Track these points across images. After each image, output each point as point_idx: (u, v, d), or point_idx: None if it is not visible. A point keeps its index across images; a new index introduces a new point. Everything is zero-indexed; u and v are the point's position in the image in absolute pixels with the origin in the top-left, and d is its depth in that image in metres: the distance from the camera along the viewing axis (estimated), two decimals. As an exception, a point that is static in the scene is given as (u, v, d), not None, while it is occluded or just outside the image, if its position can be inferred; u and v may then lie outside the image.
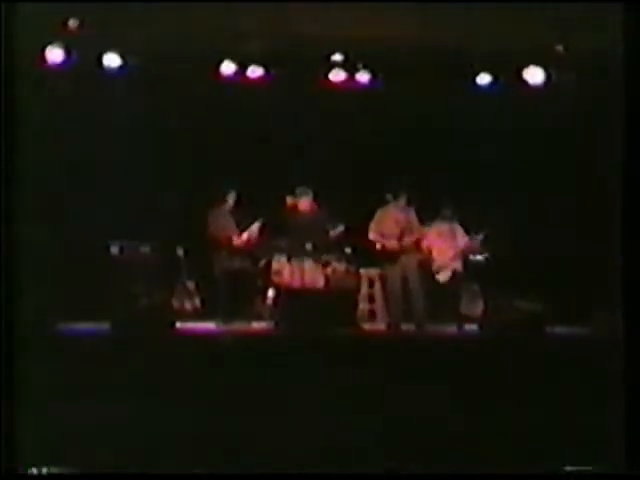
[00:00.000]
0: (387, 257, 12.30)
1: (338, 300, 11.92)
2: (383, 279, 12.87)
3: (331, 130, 13.54)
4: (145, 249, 12.69)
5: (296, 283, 12.18)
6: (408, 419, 7.75)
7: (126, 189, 12.65)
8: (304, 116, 13.42)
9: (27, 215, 7.09)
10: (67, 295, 11.33)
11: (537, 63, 12.79)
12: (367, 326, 12.50)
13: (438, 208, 12.61)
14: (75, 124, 12.55)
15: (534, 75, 12.86)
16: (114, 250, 12.59)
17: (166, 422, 7.49)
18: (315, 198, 12.39)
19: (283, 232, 12.34)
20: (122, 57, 12.43)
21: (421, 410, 7.98)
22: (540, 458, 6.50)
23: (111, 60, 12.43)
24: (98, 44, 12.31)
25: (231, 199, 12.47)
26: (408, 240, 12.24)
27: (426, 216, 12.49)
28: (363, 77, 13.14)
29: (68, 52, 12.09)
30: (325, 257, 12.43)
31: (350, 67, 13.08)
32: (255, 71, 12.89)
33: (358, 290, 13.00)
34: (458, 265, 12.61)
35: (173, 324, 11.38)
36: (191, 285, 12.88)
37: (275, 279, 12.37)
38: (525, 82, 12.92)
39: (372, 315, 13.24)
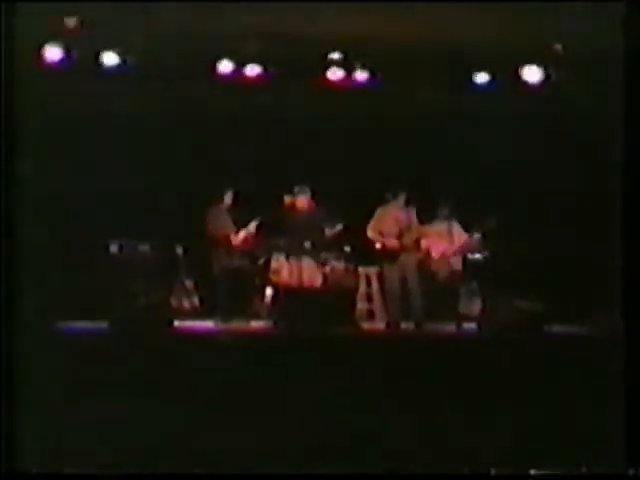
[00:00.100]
0: (386, 256, 12.32)
1: (336, 299, 11.99)
2: (381, 278, 12.88)
3: (329, 129, 13.55)
4: (144, 248, 12.73)
5: (294, 282, 12.19)
6: (407, 419, 7.73)
7: (125, 188, 12.69)
8: (302, 115, 13.43)
9: (26, 215, 7.07)
10: (66, 294, 11.35)
11: (536, 62, 12.82)
12: (366, 325, 12.51)
13: (436, 207, 12.63)
14: (74, 123, 12.54)
15: (533, 74, 12.88)
16: (113, 249, 12.64)
17: (165, 421, 7.46)
18: (313, 196, 12.40)
19: (281, 231, 12.35)
20: (120, 56, 12.45)
21: (420, 410, 7.95)
22: (540, 458, 6.49)
23: (109, 59, 12.45)
24: (96, 43, 12.34)
25: (229, 198, 12.49)
26: (407, 239, 12.25)
27: (425, 215, 12.51)
28: (361, 76, 13.14)
29: (67, 51, 12.12)
30: (323, 256, 12.47)
31: (348, 66, 13.07)
32: (253, 70, 12.89)
33: (357, 289, 13.03)
34: (457, 264, 12.61)
35: (171, 323, 11.42)
36: (190, 284, 12.91)
37: (273, 278, 12.39)
38: (524, 81, 12.94)
39: (370, 314, 13.25)
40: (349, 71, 13.10)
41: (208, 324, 11.95)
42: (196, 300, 12.91)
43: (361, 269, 13.23)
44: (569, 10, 10.39)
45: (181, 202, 12.87)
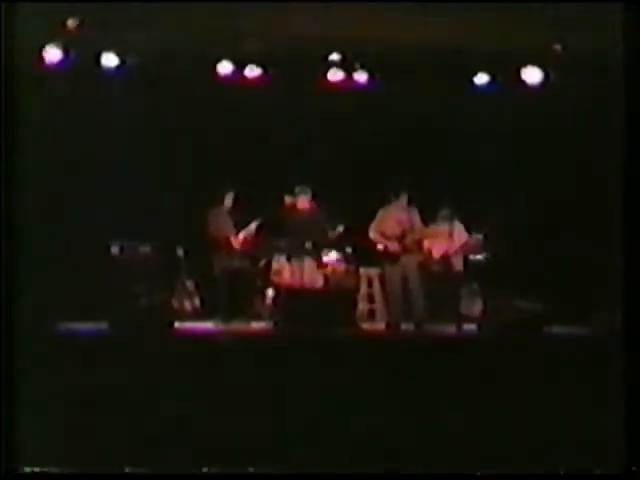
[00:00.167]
0: (388, 257, 12.30)
1: (337, 300, 11.99)
2: (383, 279, 12.87)
3: (329, 130, 13.54)
4: (145, 249, 12.71)
5: (295, 283, 12.19)
6: (408, 419, 7.73)
7: (125, 189, 12.65)
8: (302, 116, 13.41)
9: (26, 215, 7.08)
10: (67, 295, 11.36)
11: (535, 63, 12.81)
12: (366, 326, 12.49)
13: (437, 208, 12.60)
14: (74, 124, 12.56)
15: (532, 75, 12.87)
16: (114, 250, 12.62)
17: (165, 422, 7.47)
18: (314, 197, 12.41)
19: (282, 231, 12.35)
20: (120, 57, 12.45)
21: (420, 410, 7.96)
22: (540, 458, 6.49)
23: (109, 60, 12.45)
24: (96, 44, 12.33)
25: (229, 199, 12.50)
26: (409, 240, 12.24)
27: (425, 216, 12.50)
28: (361, 77, 13.15)
29: (66, 52, 12.10)
30: (324, 256, 12.48)
31: (348, 67, 13.08)
32: (253, 71, 12.89)
33: (357, 290, 13.01)
34: (458, 265, 12.62)
35: (172, 324, 11.41)
36: (191, 285, 12.88)
37: (275, 279, 12.40)
38: (524, 82, 12.93)
39: (371, 315, 13.24)
40: (349, 72, 13.10)
41: (209, 325, 11.94)
42: (197, 301, 12.89)
43: (362, 270, 13.22)
44: (568, 11, 10.39)
45: (182, 203, 12.86)
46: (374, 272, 13.24)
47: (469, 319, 12.46)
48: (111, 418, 7.43)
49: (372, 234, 12.32)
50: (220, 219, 12.42)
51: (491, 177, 13.21)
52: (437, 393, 8.30)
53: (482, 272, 12.81)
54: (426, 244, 12.48)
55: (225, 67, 12.80)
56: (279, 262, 12.41)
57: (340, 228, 12.30)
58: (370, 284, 13.34)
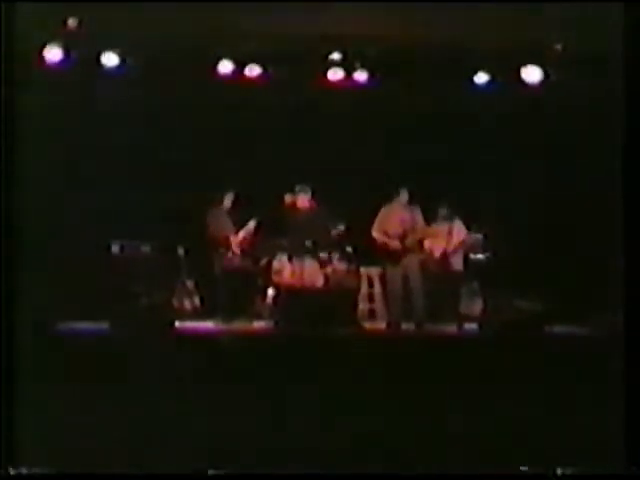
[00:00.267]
0: (389, 256, 12.27)
1: (338, 299, 11.94)
2: (383, 278, 12.87)
3: (329, 129, 13.53)
4: (145, 248, 12.67)
5: (296, 282, 12.16)
6: (408, 419, 7.75)
7: (126, 188, 12.67)
8: (302, 115, 13.41)
9: (27, 215, 7.08)
10: (67, 295, 11.33)
11: (535, 62, 12.74)
12: (367, 325, 12.46)
13: (437, 207, 12.59)
14: (74, 123, 12.55)
15: (532, 74, 12.80)
16: (114, 249, 12.58)
17: (166, 421, 7.49)
18: (314, 196, 12.38)
19: (282, 230, 12.33)
20: (120, 56, 12.40)
21: (421, 410, 7.98)
22: (540, 458, 6.50)
23: (109, 59, 12.39)
24: (97, 43, 12.29)
25: (229, 200, 12.50)
26: (411, 240, 12.21)
27: (426, 215, 12.49)
28: (361, 76, 13.08)
29: (67, 51, 12.06)
30: (325, 256, 12.43)
31: (348, 66, 13.02)
32: (253, 70, 12.85)
33: (358, 289, 12.99)
34: (458, 264, 12.63)
35: (173, 323, 11.37)
36: (191, 284, 12.86)
37: (275, 278, 12.37)
38: (523, 81, 12.87)
39: (372, 314, 13.23)
40: (349, 71, 13.04)
41: (209, 325, 11.91)
42: (197, 301, 12.86)
43: (363, 269, 13.20)
44: (568, 10, 10.40)
45: (182, 202, 12.74)
46: (375, 271, 13.23)
47: (469, 319, 12.42)
48: (111, 418, 7.46)
49: (375, 233, 12.30)
50: (219, 220, 12.42)
51: (491, 176, 13.19)
52: (437, 393, 8.33)
53: (482, 272, 12.80)
54: (427, 244, 12.48)
55: (225, 66, 12.74)
56: (280, 261, 12.38)
57: (341, 227, 12.28)
58: (371, 284, 13.33)
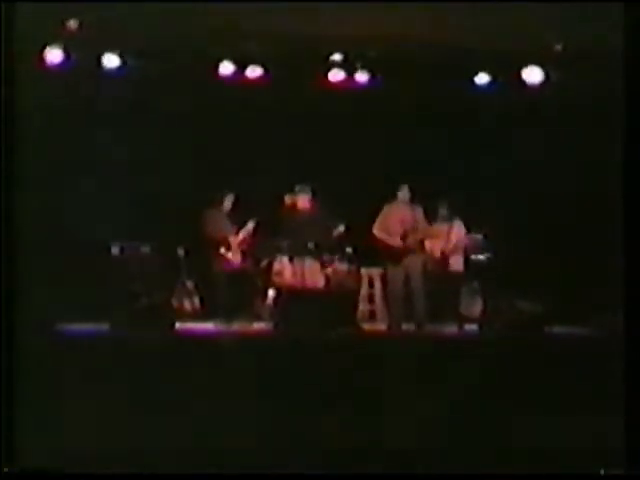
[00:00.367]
0: (390, 257, 12.22)
1: (338, 300, 11.90)
2: (384, 279, 12.88)
3: (330, 130, 13.55)
4: (145, 249, 12.69)
5: (297, 283, 12.16)
6: (408, 420, 7.76)
7: (126, 189, 12.72)
8: (303, 116, 13.44)
9: (27, 215, 7.09)
10: (67, 295, 11.26)
11: (536, 63, 12.78)
12: (367, 326, 12.46)
13: (438, 208, 12.63)
14: (74, 125, 12.54)
15: (533, 75, 12.84)
16: (114, 250, 12.59)
17: (166, 423, 7.49)
18: (314, 196, 12.37)
19: (283, 230, 12.31)
20: (121, 57, 12.43)
21: (421, 411, 7.98)
22: (540, 458, 6.52)
23: (110, 61, 12.42)
24: (97, 45, 12.32)
25: (228, 201, 12.50)
26: (412, 240, 12.16)
27: (427, 215, 12.48)
28: (362, 77, 13.11)
29: (67, 53, 12.08)
30: (326, 257, 12.45)
31: (349, 67, 13.05)
32: (254, 71, 12.86)
33: (359, 290, 13.04)
34: (458, 264, 12.66)
35: (173, 325, 11.35)
36: (191, 285, 12.91)
37: (276, 279, 12.37)
38: (524, 82, 12.91)
39: (372, 315, 13.28)
40: (350, 72, 13.07)
41: (210, 326, 11.94)
42: (197, 302, 12.91)
43: (363, 270, 13.24)
44: (569, 10, 10.40)
45: (182, 203, 12.81)
46: (375, 272, 13.27)
47: (470, 319, 12.44)
48: (111, 419, 7.46)
49: (376, 230, 12.25)
50: (218, 221, 12.42)
51: (492, 177, 13.23)
52: (437, 393, 8.31)
53: (483, 272, 12.81)
54: (428, 244, 12.47)
55: (226, 67, 12.77)
56: (280, 262, 12.38)
57: (341, 228, 12.25)
58: (371, 284, 13.38)
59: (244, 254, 12.56)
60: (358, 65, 13.07)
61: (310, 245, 12.23)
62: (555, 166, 13.23)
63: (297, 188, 12.37)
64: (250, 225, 12.41)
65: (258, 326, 12.05)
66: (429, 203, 12.42)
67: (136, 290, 12.13)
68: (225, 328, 11.78)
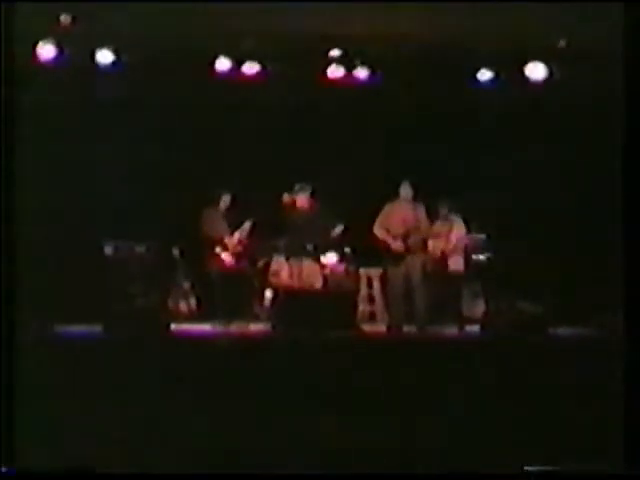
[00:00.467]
0: (391, 256, 12.22)
1: (337, 301, 11.96)
2: (383, 279, 12.93)
3: (329, 127, 13.58)
4: (140, 249, 12.69)
5: (294, 284, 12.20)
6: (409, 421, 7.82)
7: (120, 188, 12.74)
8: (302, 113, 13.44)
9: (19, 215, 7.12)
10: (60, 296, 11.34)
11: (539, 59, 12.82)
12: (367, 327, 12.52)
13: (439, 206, 12.63)
14: (67, 122, 12.53)
15: (536, 71, 12.88)
16: (108, 250, 12.59)
17: (161, 426, 7.57)
18: (313, 195, 12.42)
19: (281, 230, 12.38)
20: (115, 53, 12.43)
21: (422, 412, 8.03)
22: (540, 458, 6.61)
23: (104, 57, 12.44)
24: (91, 40, 12.33)
25: (225, 200, 12.56)
26: (413, 240, 12.16)
27: (429, 215, 12.47)
28: (362, 73, 13.13)
29: (60, 49, 12.11)
30: (324, 257, 12.49)
31: (349, 63, 13.07)
32: (251, 67, 12.88)
33: (358, 291, 13.06)
34: (460, 265, 12.72)
35: (168, 326, 11.40)
36: (187, 286, 12.95)
37: (273, 280, 12.42)
38: (527, 78, 12.94)
39: (372, 316, 13.32)
40: (349, 68, 13.09)
41: (206, 327, 11.98)
42: (193, 302, 12.96)
43: (362, 270, 13.28)
44: (572, 6, 10.42)
45: (178, 202, 12.81)
46: (374, 272, 13.30)
47: (471, 320, 12.49)
48: (107, 421, 7.54)
49: (376, 229, 12.23)
50: (214, 221, 12.49)
51: (494, 175, 13.24)
52: (438, 395, 8.39)
53: (485, 273, 12.86)
54: (430, 244, 12.48)
55: (223, 64, 12.77)
56: (277, 262, 12.43)
57: (340, 227, 12.29)
58: (370, 285, 13.41)
59: (241, 254, 12.61)
60: (357, 61, 13.08)
61: (309, 246, 12.28)
62: (559, 165, 13.29)
63: (296, 187, 12.41)
64: (247, 225, 12.48)
65: (255, 327, 12.08)
66: (429, 202, 12.44)
67: (131, 291, 12.19)
68: (222, 329, 11.81)
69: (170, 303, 12.82)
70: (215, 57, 12.76)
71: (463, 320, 12.44)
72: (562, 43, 12.32)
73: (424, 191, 12.35)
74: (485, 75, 13.18)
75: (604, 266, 9.89)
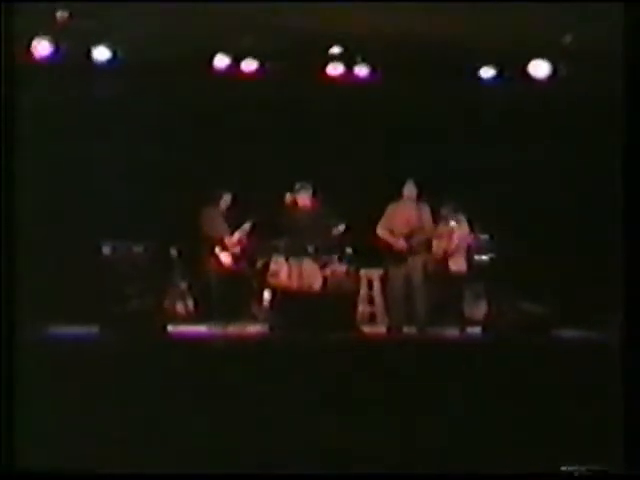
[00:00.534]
0: (392, 256, 12.25)
1: (337, 302, 12.03)
2: (384, 280, 12.98)
3: (329, 125, 13.62)
4: (137, 249, 12.78)
5: (293, 284, 12.26)
6: (409, 423, 7.89)
7: (117, 187, 12.80)
8: (301, 111, 13.50)
9: (19, 215, 7.19)
10: (55, 298, 11.31)
11: (542, 56, 12.88)
12: (367, 329, 12.58)
13: (441, 207, 12.67)
14: (63, 119, 12.56)
15: (539, 69, 12.95)
16: (106, 250, 12.66)
17: (162, 424, 7.66)
18: (314, 194, 12.48)
19: (281, 230, 12.43)
20: (112, 50, 12.47)
21: (423, 413, 8.11)
22: (540, 458, 6.70)
23: (101, 53, 12.48)
24: (87, 37, 12.36)
25: (225, 199, 12.62)
26: (416, 240, 12.20)
27: (432, 215, 12.55)
28: (362, 70, 13.19)
29: (56, 45, 12.16)
30: (324, 257, 12.54)
31: (349, 60, 13.13)
32: (250, 65, 12.94)
33: (358, 292, 13.12)
34: (462, 266, 12.77)
35: (165, 328, 11.44)
36: (184, 287, 13.00)
37: (272, 280, 12.45)
38: (530, 76, 12.99)
39: (372, 317, 13.37)
40: (349, 66, 13.14)
41: (203, 329, 12.02)
42: (191, 303, 12.99)
43: (362, 271, 13.32)
44: (575, 3, 10.50)
45: (176, 202, 12.85)
46: (375, 273, 13.35)
47: (473, 322, 12.55)
48: (107, 421, 7.64)
49: (379, 230, 12.24)
50: (214, 220, 12.55)
51: (496, 175, 13.31)
52: (439, 397, 8.45)
53: (487, 274, 12.94)
54: (434, 245, 12.54)
55: (221, 61, 12.83)
56: (276, 263, 12.46)
57: (341, 227, 12.35)
58: (370, 286, 13.46)
59: (239, 255, 12.69)
60: (358, 58, 13.14)
61: (309, 247, 12.33)
62: (561, 165, 13.36)
63: (297, 186, 12.47)
64: (247, 226, 12.55)
65: (254, 329, 12.12)
66: (431, 202, 12.48)
67: (127, 292, 12.24)
68: (219, 331, 11.85)
69: (167, 304, 12.87)
70: (213, 54, 12.79)
71: (465, 321, 12.50)
72: (567, 40, 12.33)
73: (426, 190, 12.39)
74: (487, 73, 13.25)
75: (607, 267, 9.92)
